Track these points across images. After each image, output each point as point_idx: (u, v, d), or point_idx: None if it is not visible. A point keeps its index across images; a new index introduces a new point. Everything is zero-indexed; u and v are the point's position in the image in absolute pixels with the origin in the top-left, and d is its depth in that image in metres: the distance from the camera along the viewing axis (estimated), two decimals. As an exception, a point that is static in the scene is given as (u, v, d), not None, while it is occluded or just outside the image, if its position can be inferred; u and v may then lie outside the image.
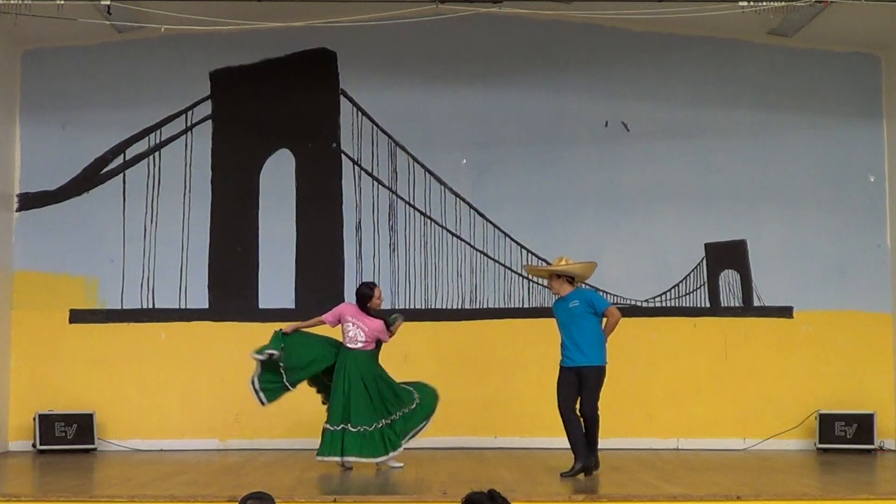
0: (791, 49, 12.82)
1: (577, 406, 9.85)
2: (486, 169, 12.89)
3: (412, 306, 12.64)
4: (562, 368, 9.88)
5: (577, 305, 9.86)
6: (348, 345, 10.26)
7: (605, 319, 9.87)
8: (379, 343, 10.34)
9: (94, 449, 12.14)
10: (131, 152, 12.77)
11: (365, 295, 10.33)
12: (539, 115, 12.88)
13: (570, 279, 9.98)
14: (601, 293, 10.98)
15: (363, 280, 12.11)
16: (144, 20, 11.47)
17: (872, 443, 12.13)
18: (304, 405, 12.14)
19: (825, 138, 12.90)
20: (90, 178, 12.72)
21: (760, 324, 12.75)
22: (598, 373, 9.83)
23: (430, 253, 12.82)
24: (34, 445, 12.04)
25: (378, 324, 10.29)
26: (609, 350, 12.50)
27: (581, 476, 9.69)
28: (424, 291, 12.74)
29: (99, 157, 12.74)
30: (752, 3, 10.30)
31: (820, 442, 12.21)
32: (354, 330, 10.24)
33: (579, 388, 9.82)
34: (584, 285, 10.20)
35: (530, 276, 12.52)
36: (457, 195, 12.85)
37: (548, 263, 12.56)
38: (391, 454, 10.12)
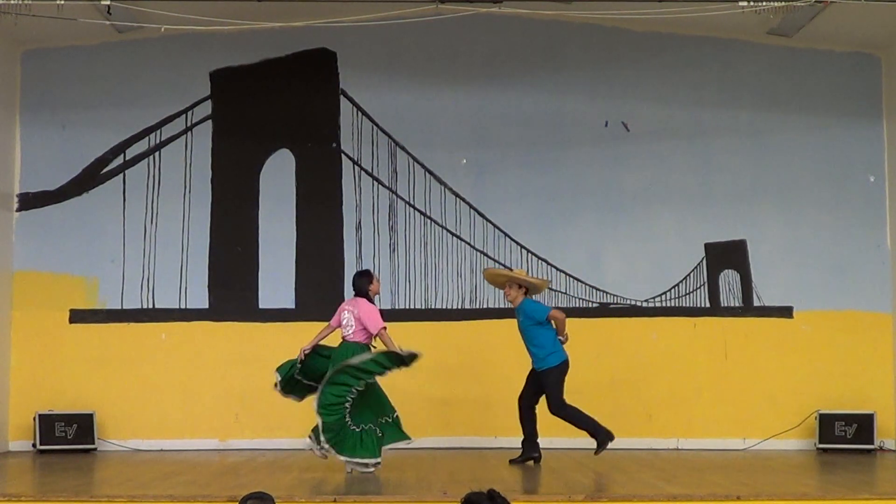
0: (791, 49, 12.83)
1: (534, 402, 10.78)
2: (486, 169, 12.90)
3: (412, 306, 12.66)
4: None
5: (521, 318, 10.74)
6: (342, 334, 10.15)
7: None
8: (371, 337, 10.15)
9: (95, 449, 12.14)
10: (131, 152, 12.77)
11: (362, 288, 10.23)
12: (539, 116, 12.88)
13: (526, 290, 10.77)
14: (537, 301, 11.10)
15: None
16: (144, 20, 11.47)
17: (872, 443, 12.13)
18: (305, 405, 12.16)
19: (825, 138, 12.90)
20: (90, 178, 12.73)
21: (760, 324, 12.76)
22: (554, 374, 10.62)
23: (430, 253, 12.83)
24: (34, 445, 12.04)
25: (368, 307, 10.06)
26: (609, 350, 12.66)
27: (530, 463, 10.65)
28: (424, 291, 12.74)
29: (99, 157, 12.75)
30: (752, 3, 10.30)
31: (820, 442, 12.21)
32: (347, 316, 10.07)
33: (540, 389, 10.72)
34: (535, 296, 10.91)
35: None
36: (457, 195, 12.86)
37: (547, 263, 12.62)
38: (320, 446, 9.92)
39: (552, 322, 10.64)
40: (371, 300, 10.17)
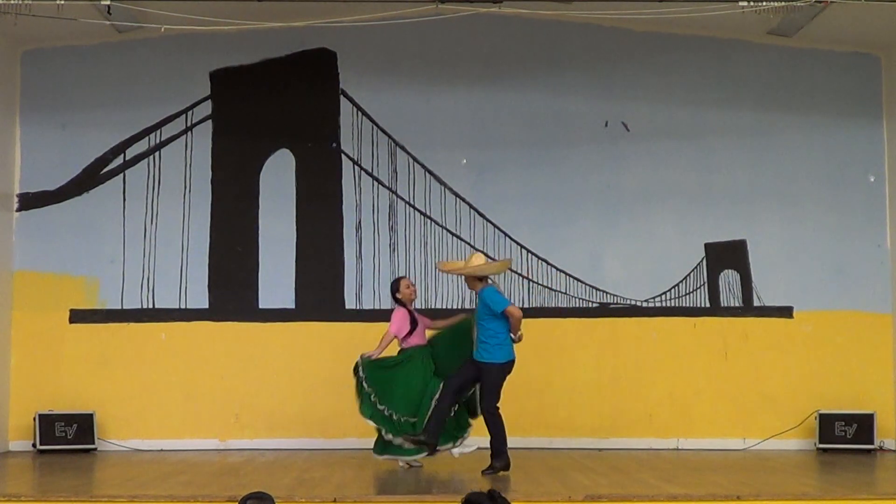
0: (791, 49, 12.82)
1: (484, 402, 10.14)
2: (486, 169, 12.90)
3: (412, 306, 12.62)
4: None
5: (479, 306, 10.12)
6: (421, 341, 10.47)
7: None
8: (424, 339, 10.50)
9: (94, 449, 12.14)
10: (131, 152, 12.77)
11: (393, 296, 10.54)
12: (539, 116, 12.88)
13: (481, 277, 10.16)
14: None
15: (363, 280, 12.18)
16: (144, 20, 11.47)
17: (872, 443, 12.13)
18: (305, 405, 12.17)
19: (825, 138, 12.90)
20: (90, 178, 12.72)
21: (760, 324, 12.75)
22: (496, 371, 9.96)
23: (430, 253, 12.82)
24: (34, 445, 12.04)
25: (395, 315, 10.43)
26: (609, 350, 12.62)
27: (500, 473, 9.88)
28: (424, 291, 12.72)
29: (99, 157, 12.74)
30: (752, 3, 10.30)
31: (820, 442, 12.21)
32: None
33: (475, 381, 10.11)
34: (491, 280, 10.26)
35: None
36: (457, 195, 12.85)
37: (547, 263, 12.62)
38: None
39: (508, 318, 9.91)
40: (405, 305, 10.44)
